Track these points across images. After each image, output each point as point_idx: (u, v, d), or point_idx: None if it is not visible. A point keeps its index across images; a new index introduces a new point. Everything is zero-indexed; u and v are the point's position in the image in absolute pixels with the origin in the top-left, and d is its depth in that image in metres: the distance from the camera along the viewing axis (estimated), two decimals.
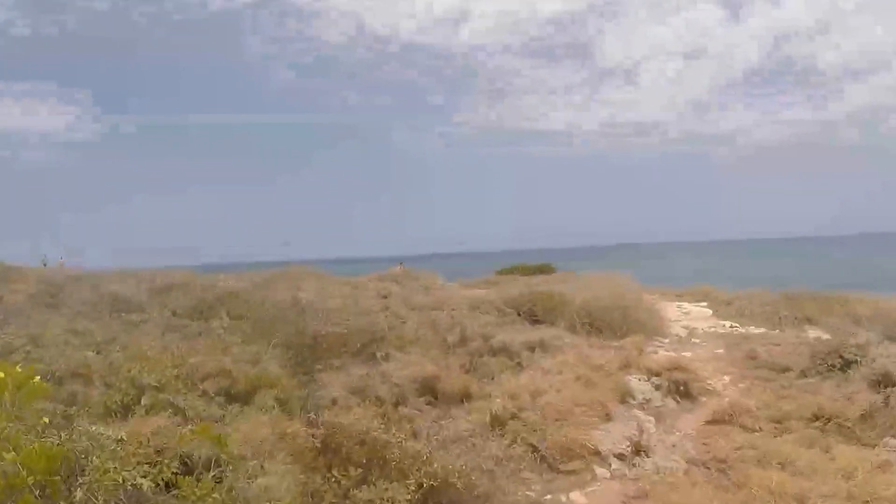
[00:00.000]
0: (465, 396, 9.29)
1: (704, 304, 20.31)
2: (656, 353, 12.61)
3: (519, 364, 10.57)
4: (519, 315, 15.30)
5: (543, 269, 30.89)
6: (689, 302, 20.70)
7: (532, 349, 11.23)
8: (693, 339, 14.51)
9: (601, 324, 14.44)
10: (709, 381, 10.95)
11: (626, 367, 10.65)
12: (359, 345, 10.56)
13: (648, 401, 9.89)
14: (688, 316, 17.80)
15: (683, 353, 13.12)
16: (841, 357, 11.44)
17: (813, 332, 14.95)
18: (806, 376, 10.92)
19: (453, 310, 15.36)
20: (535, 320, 14.98)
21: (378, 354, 10.06)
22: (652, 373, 10.51)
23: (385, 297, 17.60)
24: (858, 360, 11.31)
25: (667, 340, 14.41)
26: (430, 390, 9.13)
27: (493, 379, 9.95)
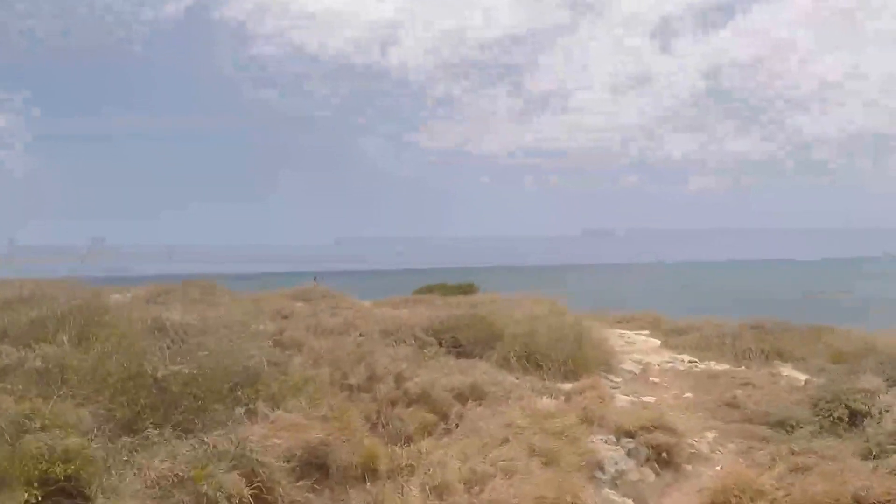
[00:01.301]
0: (368, 471, 6.47)
1: (647, 332, 17.99)
2: (613, 397, 10.03)
3: (445, 424, 7.77)
4: (441, 345, 12.50)
5: (465, 289, 28.33)
6: (631, 329, 18.34)
7: (462, 398, 8.45)
8: (651, 378, 12.00)
9: (541, 357, 11.77)
10: (691, 441, 8.40)
11: (587, 422, 7.98)
12: (221, 391, 7.57)
13: (622, 473, 7.25)
14: (634, 347, 15.35)
15: (645, 398, 10.60)
16: (847, 407, 9.08)
17: (786, 371, 12.67)
18: (814, 435, 8.46)
19: (361, 335, 12.56)
20: (460, 352, 12.25)
21: (239, 410, 7.06)
22: (622, 432, 7.88)
23: (286, 317, 14.92)
24: (870, 411, 8.97)
25: (619, 379, 11.86)
26: (316, 465, 6.25)
27: (408, 444, 7.14)
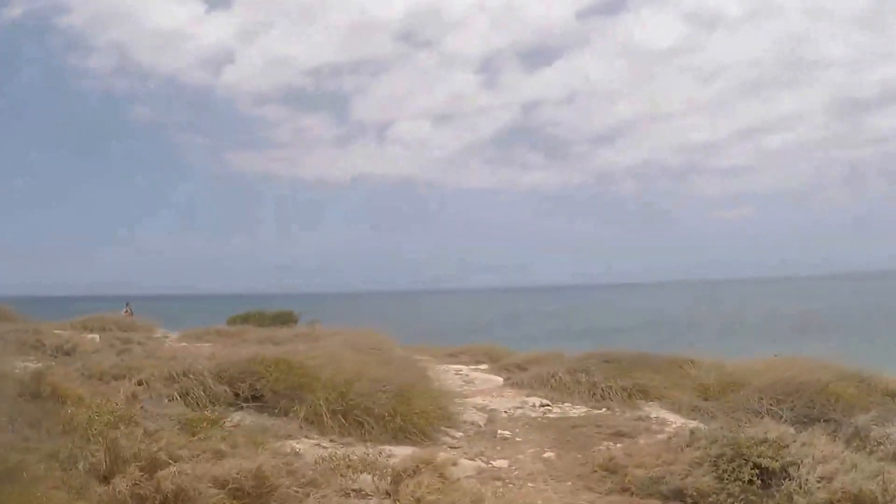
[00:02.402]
0: None
1: (485, 366, 15.83)
2: (457, 467, 7.51)
3: None
4: (237, 395, 9.62)
5: (284, 319, 25.43)
6: (466, 364, 16.10)
7: (241, 495, 5.64)
8: (500, 431, 9.61)
9: (362, 411, 9.14)
10: None
11: None
12: None
13: None
14: (474, 387, 13.02)
15: (495, 462, 8.21)
16: (756, 466, 7.07)
17: (654, 411, 10.73)
18: None
19: (140, 383, 9.48)
20: (261, 406, 9.44)
21: None
22: None
23: (67, 353, 12.41)
24: (786, 469, 7.02)
25: (461, 435, 9.43)
26: None
27: None
